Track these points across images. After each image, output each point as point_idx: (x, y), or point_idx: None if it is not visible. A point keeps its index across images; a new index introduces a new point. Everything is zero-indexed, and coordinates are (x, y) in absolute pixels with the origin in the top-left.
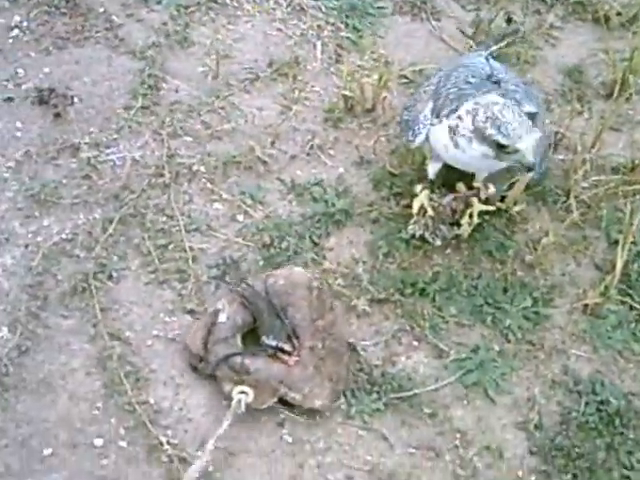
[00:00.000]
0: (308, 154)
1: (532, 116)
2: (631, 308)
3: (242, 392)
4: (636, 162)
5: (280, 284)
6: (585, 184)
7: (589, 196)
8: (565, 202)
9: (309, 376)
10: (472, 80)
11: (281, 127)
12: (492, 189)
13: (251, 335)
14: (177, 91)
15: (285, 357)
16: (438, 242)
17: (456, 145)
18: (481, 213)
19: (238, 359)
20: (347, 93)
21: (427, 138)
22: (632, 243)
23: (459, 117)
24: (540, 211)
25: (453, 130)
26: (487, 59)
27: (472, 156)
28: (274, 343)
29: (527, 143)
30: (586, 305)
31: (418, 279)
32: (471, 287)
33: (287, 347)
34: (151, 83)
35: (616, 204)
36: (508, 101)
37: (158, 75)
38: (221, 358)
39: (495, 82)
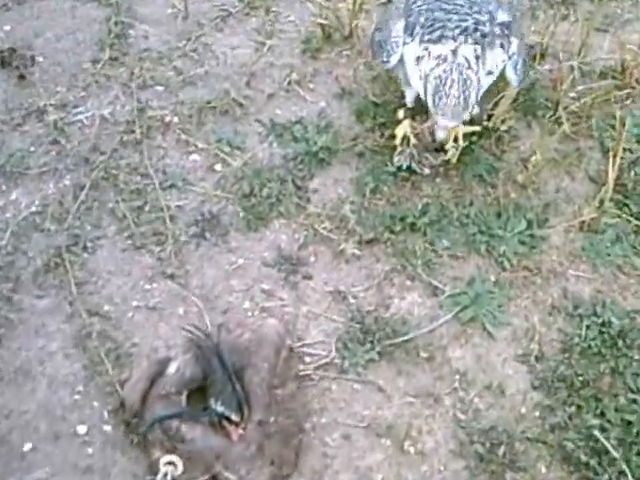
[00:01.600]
0: (287, 90)
1: (507, 25)
2: (629, 220)
3: (170, 463)
4: (626, 64)
5: (245, 338)
6: (574, 94)
7: (579, 106)
8: (554, 114)
9: (250, 456)
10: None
11: (257, 65)
12: (476, 109)
13: (200, 393)
14: (146, 37)
15: (230, 427)
16: (426, 171)
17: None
18: (468, 135)
19: (174, 424)
20: (323, 21)
21: (401, 59)
22: (626, 150)
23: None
24: (530, 126)
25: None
26: None
27: None
28: (220, 410)
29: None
30: (583, 222)
31: (408, 214)
32: (463, 216)
33: (234, 417)
34: (118, 31)
35: (608, 111)
36: (457, 67)
37: (125, 22)
38: (156, 419)
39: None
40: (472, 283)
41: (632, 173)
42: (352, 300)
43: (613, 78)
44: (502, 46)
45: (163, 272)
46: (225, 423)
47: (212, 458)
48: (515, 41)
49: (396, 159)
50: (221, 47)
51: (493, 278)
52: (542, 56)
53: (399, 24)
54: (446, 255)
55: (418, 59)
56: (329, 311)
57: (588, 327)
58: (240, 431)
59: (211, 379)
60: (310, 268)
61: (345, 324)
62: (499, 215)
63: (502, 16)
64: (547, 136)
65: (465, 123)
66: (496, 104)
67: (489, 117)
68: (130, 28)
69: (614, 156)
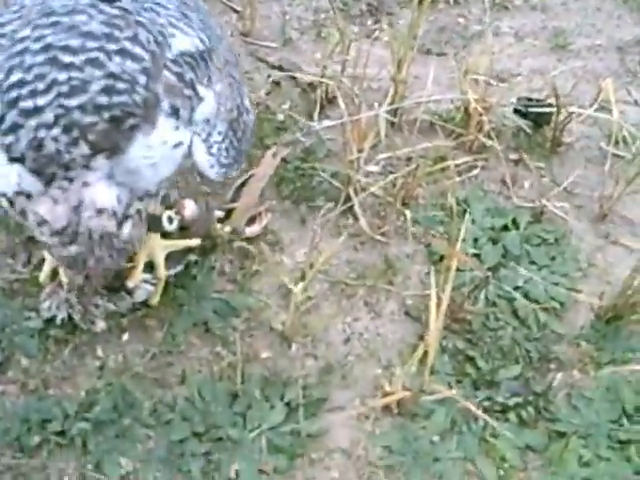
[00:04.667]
0: None
1: (200, 54)
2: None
3: None
4: (471, 107)
5: None
6: (374, 167)
7: (387, 183)
8: (345, 201)
9: None
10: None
11: None
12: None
13: None
14: None
15: None
16: (100, 325)
17: None
18: (183, 252)
19: None
20: None
21: None
22: (470, 256)
23: None
24: (304, 223)
25: None
26: None
27: None
28: None
29: None
30: (387, 394)
31: (50, 416)
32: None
33: None
34: None
35: (440, 189)
36: None
37: None
38: None
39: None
40: None
41: (482, 296)
42: None
43: (450, 135)
44: (175, 112)
45: None
46: None
47: None
48: (209, 94)
49: (45, 305)
50: None
51: None
52: (322, 108)
53: None
54: None
55: None
56: None
57: None
58: None
59: None
60: None
61: None
62: (234, 398)
63: (183, 42)
64: (329, 239)
65: (168, 234)
66: (239, 190)
67: (227, 215)
68: None
69: (447, 271)
